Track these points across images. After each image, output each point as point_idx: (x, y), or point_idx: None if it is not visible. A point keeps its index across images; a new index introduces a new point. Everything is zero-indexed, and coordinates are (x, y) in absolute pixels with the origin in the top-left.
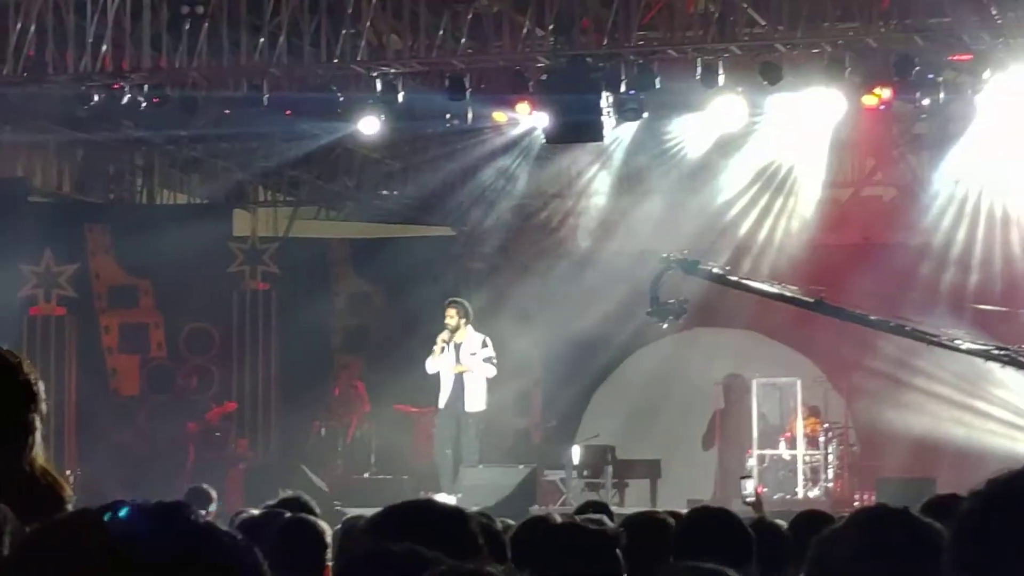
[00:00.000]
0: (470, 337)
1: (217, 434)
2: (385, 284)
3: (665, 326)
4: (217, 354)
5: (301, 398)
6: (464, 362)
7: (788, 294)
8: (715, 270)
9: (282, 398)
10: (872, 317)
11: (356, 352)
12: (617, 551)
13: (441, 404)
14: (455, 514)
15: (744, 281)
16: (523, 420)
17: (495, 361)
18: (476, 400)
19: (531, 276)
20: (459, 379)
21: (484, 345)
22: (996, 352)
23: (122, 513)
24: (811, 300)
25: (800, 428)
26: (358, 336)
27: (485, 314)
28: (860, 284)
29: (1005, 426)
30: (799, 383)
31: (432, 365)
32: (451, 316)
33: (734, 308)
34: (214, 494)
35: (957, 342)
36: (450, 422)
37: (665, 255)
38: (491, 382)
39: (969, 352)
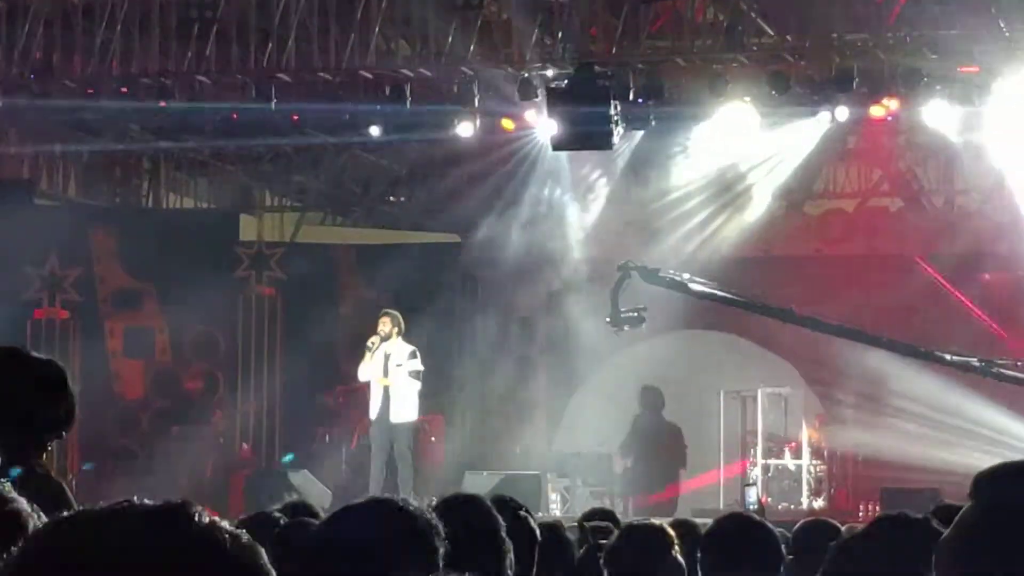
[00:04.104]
0: (399, 348)
1: (220, 439)
2: (391, 290)
3: (618, 333)
4: (222, 359)
5: (306, 404)
6: (390, 374)
7: (755, 302)
8: (676, 277)
9: (287, 404)
10: (845, 327)
11: (360, 359)
12: None
13: (372, 415)
14: (408, 515)
15: (707, 289)
16: (528, 427)
17: (420, 375)
18: (402, 411)
19: (536, 283)
20: (386, 390)
21: (413, 356)
22: (977, 364)
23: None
24: (780, 308)
25: (805, 438)
26: (363, 343)
27: (491, 321)
28: (864, 295)
29: (990, 443)
30: (804, 393)
31: (363, 373)
32: (384, 324)
33: (718, 312)
34: None
35: (937, 353)
36: (381, 433)
37: (624, 262)
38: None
39: (951, 364)
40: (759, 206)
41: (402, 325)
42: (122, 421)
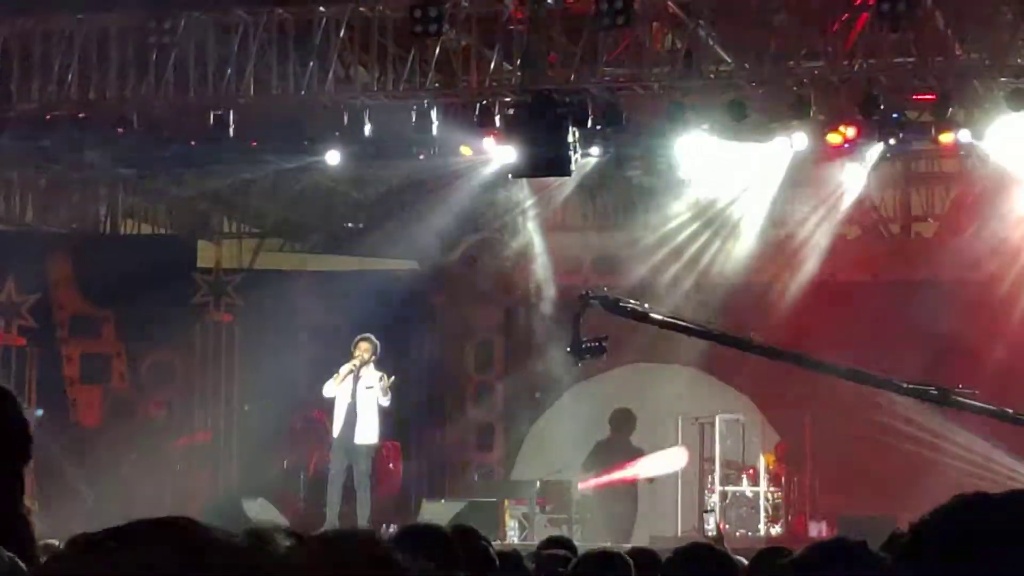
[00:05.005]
0: (370, 372)
1: (178, 466)
2: (350, 317)
3: (579, 364)
4: (179, 386)
5: (263, 430)
6: (359, 395)
7: (716, 331)
8: (638, 307)
9: (244, 431)
10: (803, 356)
11: (318, 386)
12: None
13: (335, 434)
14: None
15: (668, 319)
16: (486, 454)
17: (389, 390)
18: (366, 431)
19: (493, 309)
20: (352, 410)
21: (381, 379)
22: (934, 392)
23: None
24: (740, 338)
25: (763, 464)
26: (321, 369)
27: (449, 347)
28: (823, 321)
29: (968, 465)
30: (764, 420)
31: (329, 390)
32: (366, 350)
33: (677, 344)
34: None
35: (894, 381)
36: (342, 454)
37: (584, 292)
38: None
39: (909, 393)
40: (719, 234)
41: (378, 351)
42: (79, 448)
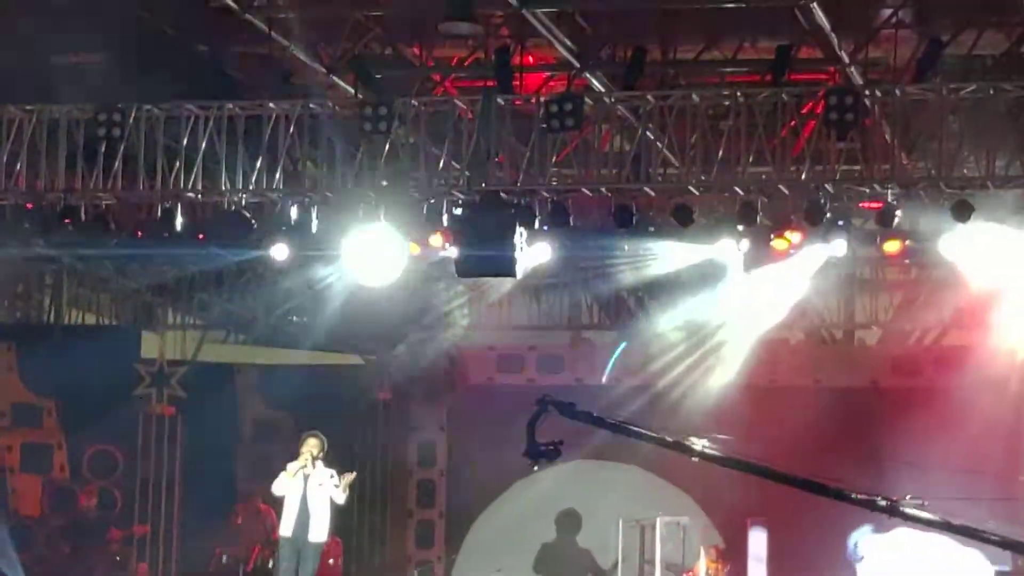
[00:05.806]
0: (319, 471)
1: (117, 558)
2: (293, 411)
3: (536, 468)
4: (120, 477)
5: (204, 524)
6: (310, 493)
7: (669, 439)
8: (594, 413)
9: (184, 523)
10: (753, 464)
11: (261, 480)
12: None
13: (286, 532)
14: None
15: (623, 424)
16: (425, 551)
17: (347, 491)
18: (320, 530)
19: (437, 407)
20: (304, 507)
21: (331, 477)
22: (882, 503)
23: None
24: (690, 446)
25: (703, 568)
26: (264, 463)
27: (392, 443)
28: (765, 426)
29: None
30: (704, 522)
31: (280, 488)
32: (315, 447)
33: (623, 442)
34: None
35: (844, 491)
36: (292, 552)
37: (541, 396)
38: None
39: (857, 503)
40: (660, 337)
41: (325, 448)
42: (18, 539)
